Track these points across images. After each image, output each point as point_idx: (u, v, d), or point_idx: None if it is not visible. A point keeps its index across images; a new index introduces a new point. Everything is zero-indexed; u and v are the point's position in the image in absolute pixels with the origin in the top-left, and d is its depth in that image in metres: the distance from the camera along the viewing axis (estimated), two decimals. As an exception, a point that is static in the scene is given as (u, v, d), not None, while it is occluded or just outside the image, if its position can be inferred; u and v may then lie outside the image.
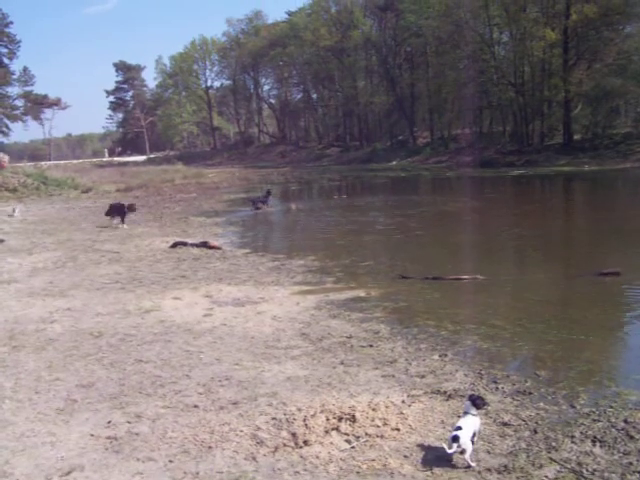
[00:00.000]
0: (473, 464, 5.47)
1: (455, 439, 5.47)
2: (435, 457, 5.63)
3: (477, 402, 5.91)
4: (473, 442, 5.57)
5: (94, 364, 8.52)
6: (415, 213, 26.31)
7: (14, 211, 29.21)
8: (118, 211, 24.33)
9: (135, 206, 25.19)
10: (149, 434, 6.33)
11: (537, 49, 60.19)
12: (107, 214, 24.95)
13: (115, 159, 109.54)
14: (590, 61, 59.43)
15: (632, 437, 5.88)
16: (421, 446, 5.86)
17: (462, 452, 5.50)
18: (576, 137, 60.47)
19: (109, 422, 6.64)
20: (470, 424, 5.66)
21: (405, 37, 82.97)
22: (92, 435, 6.35)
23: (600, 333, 9.38)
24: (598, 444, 5.78)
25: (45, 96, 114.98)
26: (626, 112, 68.91)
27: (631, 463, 5.42)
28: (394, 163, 69.93)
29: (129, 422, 6.63)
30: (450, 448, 5.48)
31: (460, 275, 13.12)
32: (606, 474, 5.27)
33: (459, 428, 5.56)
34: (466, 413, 5.80)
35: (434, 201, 32.52)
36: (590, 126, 61.80)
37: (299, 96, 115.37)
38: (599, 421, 6.24)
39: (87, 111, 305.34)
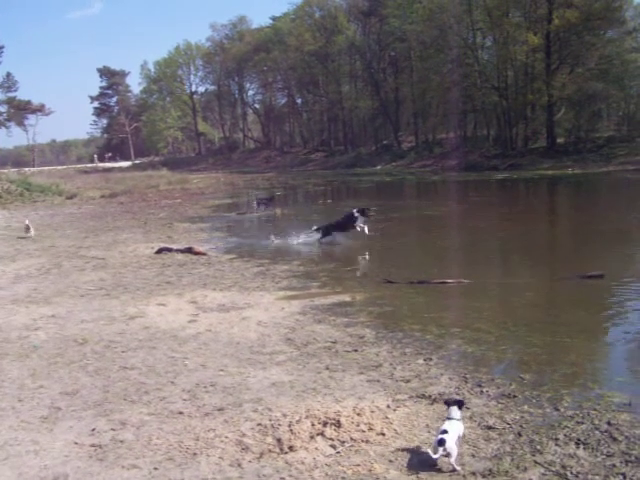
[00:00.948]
0: (458, 468, 5.48)
1: (441, 442, 5.49)
2: (420, 461, 5.63)
3: (461, 405, 6.00)
4: (457, 446, 5.58)
5: (78, 371, 8.47)
6: (400, 217, 26.39)
7: (28, 230, 23.37)
8: None
9: None
10: (134, 441, 6.29)
11: (520, 53, 60.67)
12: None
13: (99, 165, 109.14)
14: (572, 65, 59.95)
15: (615, 439, 5.91)
16: (406, 450, 5.86)
17: (447, 455, 5.51)
18: (559, 141, 60.97)
19: (93, 430, 6.60)
20: (455, 428, 5.69)
21: (389, 42, 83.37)
22: (76, 443, 6.30)
23: (584, 336, 9.42)
24: (582, 446, 5.80)
25: (28, 102, 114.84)
26: (608, 116, 69.69)
27: (614, 465, 5.44)
28: (379, 167, 70.16)
29: (113, 429, 6.58)
30: (436, 452, 5.49)
31: (445, 279, 13.15)
32: (589, 476, 5.29)
33: (445, 432, 5.58)
34: (450, 418, 5.82)
35: (419, 205, 32.61)
36: (573, 130, 62.40)
37: (284, 101, 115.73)
38: (583, 423, 6.27)
39: (71, 117, 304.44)
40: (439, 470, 5.49)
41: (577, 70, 59.10)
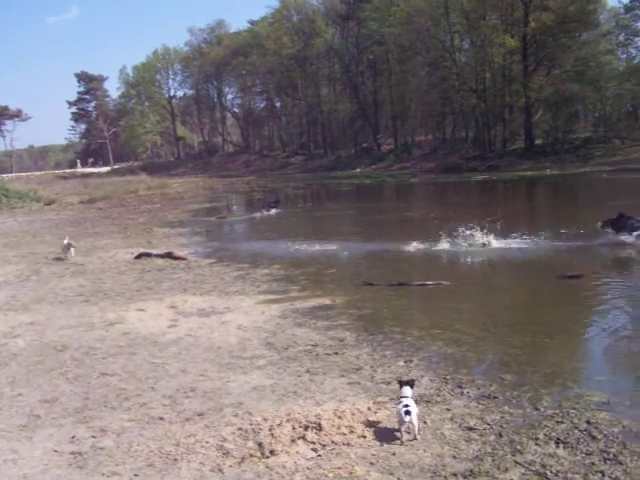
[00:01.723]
0: (419, 437, 6.11)
1: (408, 413, 6.07)
2: (400, 463, 5.65)
3: (412, 384, 6.68)
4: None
5: (58, 378, 8.41)
6: (379, 220, 26.44)
7: (68, 249, 18.81)
8: None
9: None
10: (114, 448, 6.25)
11: (497, 56, 61.16)
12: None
13: (78, 170, 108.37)
14: (549, 67, 60.53)
15: (594, 437, 5.95)
16: (387, 453, 5.87)
17: (409, 427, 6.14)
18: (537, 142, 61.46)
19: (73, 437, 6.55)
20: (413, 404, 6.27)
21: (367, 45, 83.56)
22: (56, 451, 6.26)
23: (564, 335, 9.50)
24: (561, 445, 5.84)
25: (5, 107, 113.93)
26: (585, 117, 70.38)
27: (593, 463, 5.48)
28: (358, 170, 70.28)
29: (93, 436, 6.54)
30: (403, 423, 6.08)
31: (425, 281, 13.19)
32: (569, 475, 5.33)
33: (407, 405, 6.17)
34: (404, 397, 6.32)
35: (398, 208, 32.69)
36: (551, 131, 62.93)
37: (262, 105, 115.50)
38: (562, 423, 6.31)
39: (49, 122, 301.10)
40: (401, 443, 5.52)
41: (554, 72, 59.66)
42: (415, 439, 6.11)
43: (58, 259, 18.77)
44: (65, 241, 19.20)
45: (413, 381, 6.85)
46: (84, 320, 11.56)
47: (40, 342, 10.22)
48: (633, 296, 11.93)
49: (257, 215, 31.66)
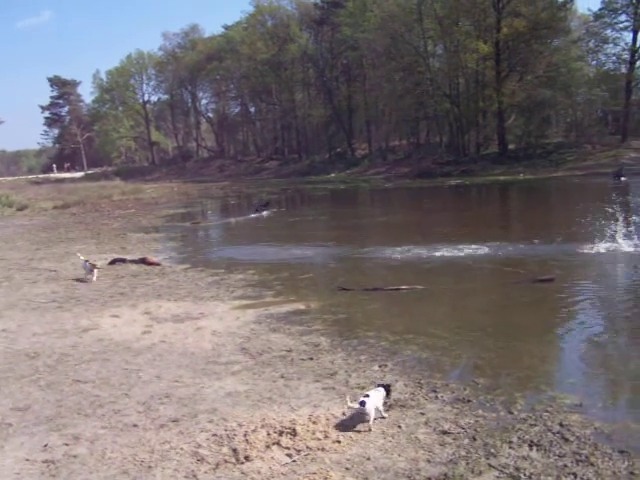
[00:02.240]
0: (373, 428, 6.49)
1: (362, 404, 6.54)
2: (375, 468, 5.67)
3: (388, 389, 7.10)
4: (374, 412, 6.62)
5: (30, 386, 8.33)
6: (354, 225, 26.48)
7: (92, 270, 15.98)
8: None
9: None
10: (87, 456, 6.21)
11: (470, 61, 61.56)
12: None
13: (52, 175, 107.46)
14: (521, 73, 61.00)
15: (567, 439, 6.02)
16: (362, 457, 5.88)
17: (366, 417, 6.56)
18: (511, 147, 61.95)
19: (46, 445, 6.49)
20: (377, 396, 6.73)
21: (341, 50, 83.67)
22: (28, 460, 6.19)
23: (536, 339, 9.56)
24: (535, 448, 5.90)
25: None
26: (557, 122, 71.10)
27: (566, 465, 5.54)
28: (333, 175, 70.39)
29: (66, 444, 6.49)
30: (351, 402, 6.63)
31: (399, 285, 13.23)
32: (542, 477, 5.39)
33: (367, 396, 6.64)
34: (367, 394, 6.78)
35: (372, 213, 32.83)
36: (524, 136, 63.47)
37: (237, 110, 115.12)
38: (535, 425, 6.37)
39: (22, 127, 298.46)
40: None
41: (526, 77, 60.14)
42: (370, 430, 6.48)
43: (79, 280, 16.12)
44: (81, 257, 17.10)
45: (389, 385, 7.18)
46: (57, 327, 11.46)
47: (12, 349, 10.12)
48: (605, 299, 12.07)
49: (232, 220, 31.66)
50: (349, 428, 6.52)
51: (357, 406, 6.55)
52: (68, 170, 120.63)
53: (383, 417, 6.76)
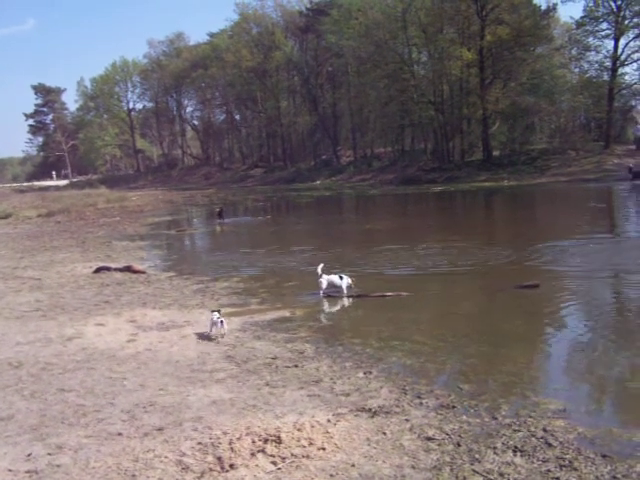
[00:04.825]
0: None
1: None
2: (360, 475, 5.67)
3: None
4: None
5: (13, 395, 8.27)
6: (339, 232, 26.53)
7: (221, 325, 10.66)
8: None
9: None
10: (71, 465, 6.16)
11: (455, 68, 61.91)
12: None
13: (36, 184, 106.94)
14: (505, 80, 61.35)
15: (550, 445, 6.04)
16: (347, 464, 5.88)
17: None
18: (495, 153, 62.25)
19: (29, 455, 6.43)
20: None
21: (326, 57, 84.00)
22: (10, 470, 6.13)
23: (521, 345, 9.62)
24: (519, 454, 5.91)
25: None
26: (541, 129, 71.52)
27: (549, 470, 5.56)
28: (318, 182, 70.49)
29: (50, 454, 6.43)
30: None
31: (384, 292, 13.26)
32: (526, 482, 5.41)
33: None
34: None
35: (357, 220, 32.91)
36: (508, 143, 63.88)
37: (222, 117, 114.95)
38: (519, 431, 6.39)
39: (5, 135, 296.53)
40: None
41: (510, 84, 60.53)
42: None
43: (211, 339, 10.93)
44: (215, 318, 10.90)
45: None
46: (41, 335, 11.38)
47: (-5, 359, 10.04)
48: (588, 304, 12.17)
49: (217, 228, 31.57)
50: (334, 435, 6.49)
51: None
52: (64, 177, 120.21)
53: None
